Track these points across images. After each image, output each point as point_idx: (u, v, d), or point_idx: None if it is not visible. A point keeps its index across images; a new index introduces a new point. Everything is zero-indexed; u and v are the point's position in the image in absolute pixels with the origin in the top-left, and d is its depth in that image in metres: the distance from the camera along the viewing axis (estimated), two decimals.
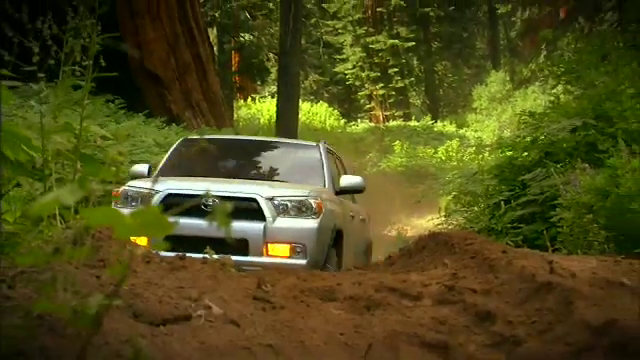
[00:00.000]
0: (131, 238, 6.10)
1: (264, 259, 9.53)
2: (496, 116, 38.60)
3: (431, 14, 40.16)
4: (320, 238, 10.08)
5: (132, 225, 1.82)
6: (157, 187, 10.11)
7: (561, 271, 3.41)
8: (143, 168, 11.36)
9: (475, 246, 3.92)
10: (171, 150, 12.19)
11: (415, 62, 43.87)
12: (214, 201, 8.85)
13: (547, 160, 9.18)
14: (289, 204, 9.98)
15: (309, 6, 44.59)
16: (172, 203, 8.29)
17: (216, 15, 36.06)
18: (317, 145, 12.90)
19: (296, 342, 2.80)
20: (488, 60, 41.13)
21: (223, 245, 8.25)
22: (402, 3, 38.82)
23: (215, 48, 31.02)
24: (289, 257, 9.70)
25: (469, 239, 4.07)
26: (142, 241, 6.66)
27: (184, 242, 7.16)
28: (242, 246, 9.39)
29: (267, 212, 9.84)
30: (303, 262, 9.57)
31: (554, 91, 12.06)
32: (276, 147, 14.13)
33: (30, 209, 2.46)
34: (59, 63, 3.85)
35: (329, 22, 41.88)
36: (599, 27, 28.43)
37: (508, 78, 32.55)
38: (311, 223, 9.94)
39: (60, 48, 3.83)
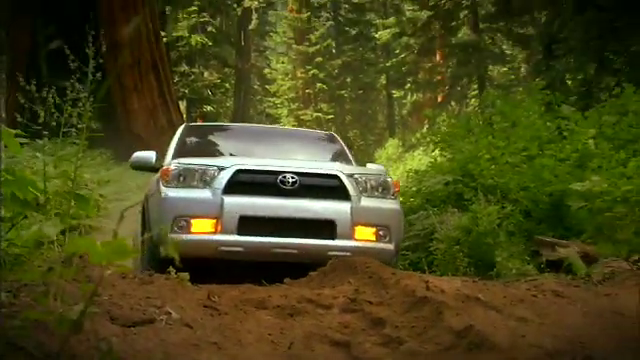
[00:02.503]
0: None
1: (352, 243, 6.33)
2: (392, 172, 38.89)
3: (345, 95, 40.51)
4: (402, 221, 7.00)
5: (103, 252, 1.74)
6: (221, 163, 6.59)
7: (434, 288, 3.41)
8: (149, 155, 7.49)
9: (372, 269, 3.90)
10: (177, 137, 8.17)
11: (333, 130, 44.13)
12: (292, 178, 6.36)
13: (427, 205, 9.24)
14: (370, 183, 6.69)
15: (255, 87, 44.85)
16: (242, 181, 6.32)
17: (186, 91, 35.86)
18: (332, 134, 9.75)
19: (235, 340, 2.73)
20: (387, 130, 41.52)
21: (306, 228, 6.18)
22: (324, 87, 39.10)
23: (184, 116, 30.74)
24: (375, 242, 6.49)
25: (368, 263, 4.04)
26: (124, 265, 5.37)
27: (261, 226, 6.12)
28: (328, 229, 6.32)
29: (352, 190, 6.49)
30: (391, 247, 6.51)
31: (433, 154, 12.17)
32: (293, 134, 10.82)
33: (19, 238, 2.38)
34: (60, 125, 3.77)
35: (270, 99, 42.00)
36: (465, 109, 29.11)
37: (401, 144, 32.88)
38: (393, 204, 6.75)
39: (61, 114, 3.75)
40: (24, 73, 9.16)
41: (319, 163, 7.23)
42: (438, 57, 32.39)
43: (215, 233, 6.13)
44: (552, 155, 8.39)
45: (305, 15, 38.56)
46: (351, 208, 6.35)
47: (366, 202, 6.50)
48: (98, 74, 3.48)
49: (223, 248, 6.07)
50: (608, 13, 14.28)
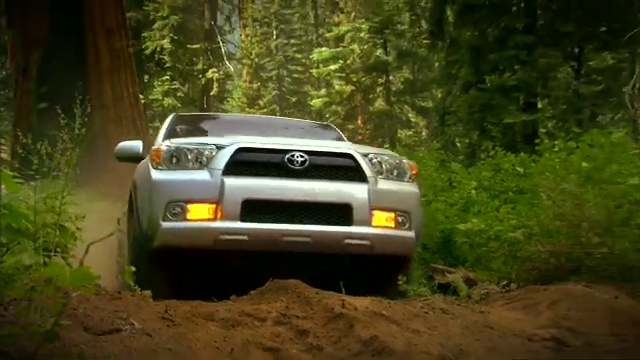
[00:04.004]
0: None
1: (371, 230, 4.64)
2: None
3: None
4: (422, 207, 5.31)
5: (69, 278, 1.69)
6: (220, 141, 4.75)
7: (349, 306, 3.40)
8: (135, 144, 5.55)
9: (300, 289, 3.88)
10: (166, 125, 6.12)
11: None
12: (302, 157, 4.61)
13: None
14: (385, 164, 4.91)
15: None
16: (245, 160, 4.54)
17: None
18: (329, 123, 8.09)
19: (186, 346, 2.67)
20: None
21: (320, 213, 4.44)
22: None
23: None
24: (395, 228, 4.76)
25: (298, 285, 4.03)
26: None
27: (268, 211, 4.40)
28: (344, 214, 4.60)
29: (368, 171, 4.75)
30: (411, 235, 4.79)
31: None
32: (290, 124, 7.75)
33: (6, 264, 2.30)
34: (50, 169, 3.68)
35: None
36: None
37: None
38: (412, 188, 4.97)
39: (51, 160, 3.67)
40: (24, 127, 8.96)
41: (329, 142, 5.29)
42: (360, 121, 32.77)
43: (215, 220, 4.40)
44: (444, 201, 8.53)
45: (256, 85, 38.70)
46: (368, 190, 4.55)
47: (384, 184, 4.70)
48: (83, 130, 3.43)
49: (224, 237, 4.38)
50: (486, 93, 14.88)
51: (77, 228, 3.25)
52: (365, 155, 4.77)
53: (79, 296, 2.74)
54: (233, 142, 4.63)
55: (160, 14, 22.45)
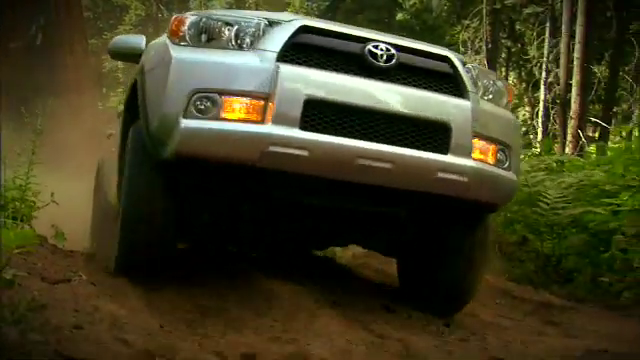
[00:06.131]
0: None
1: (471, 163, 2.76)
2: None
3: None
4: (521, 143, 3.69)
5: (12, 238, 1.79)
6: (274, 16, 2.82)
7: None
8: (136, 39, 3.56)
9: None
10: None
11: None
12: (388, 50, 2.76)
13: None
14: (482, 80, 3.05)
15: None
16: (309, 44, 2.73)
17: None
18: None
19: (123, 294, 2.82)
20: None
21: (407, 131, 2.67)
22: None
23: None
24: (495, 165, 2.89)
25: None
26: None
27: (339, 118, 2.61)
28: (439, 137, 2.75)
29: (469, 84, 2.90)
30: (514, 177, 2.99)
31: None
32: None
33: None
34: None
35: None
36: None
37: None
38: (512, 116, 3.18)
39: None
40: None
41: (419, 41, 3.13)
42: None
43: (262, 122, 2.59)
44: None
45: None
46: (472, 109, 2.82)
47: (486, 105, 2.98)
48: None
49: (275, 149, 2.58)
50: None
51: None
52: (463, 63, 3.03)
53: (39, 254, 2.89)
54: (292, 18, 2.81)
55: None
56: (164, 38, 2.90)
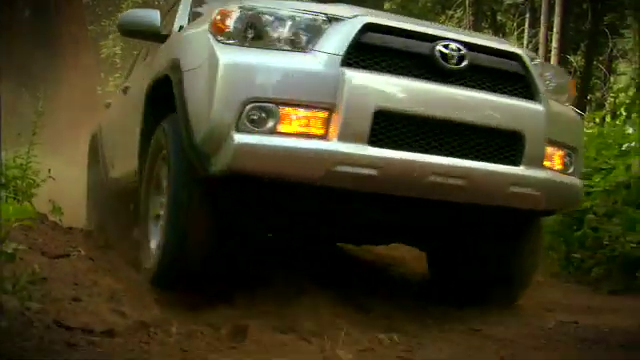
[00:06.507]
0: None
1: (542, 174, 2.43)
2: None
3: None
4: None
5: (12, 212, 1.77)
6: (333, 10, 2.33)
7: None
8: (151, 14, 2.93)
9: None
10: None
11: None
12: (459, 50, 2.34)
13: None
14: (548, 76, 2.63)
15: None
16: (375, 45, 2.28)
17: None
18: None
19: (119, 267, 2.82)
20: None
21: (479, 142, 2.33)
22: None
23: None
24: (563, 171, 2.55)
25: None
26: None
27: (411, 131, 2.25)
28: (511, 146, 2.38)
29: (540, 84, 2.48)
30: (580, 183, 2.67)
31: None
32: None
33: None
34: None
35: None
36: None
37: None
38: (576, 115, 2.75)
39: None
40: None
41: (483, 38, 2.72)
42: None
43: (326, 136, 2.21)
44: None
45: None
46: (545, 114, 2.47)
47: (555, 107, 2.61)
48: None
49: (342, 169, 2.21)
50: None
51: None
52: (532, 59, 2.62)
53: (40, 230, 2.87)
54: (355, 14, 2.36)
55: (113, 28, 20.79)
56: (203, 30, 2.38)
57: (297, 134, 2.18)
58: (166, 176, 2.47)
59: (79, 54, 8.06)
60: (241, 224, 2.55)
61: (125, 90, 3.59)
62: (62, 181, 3.77)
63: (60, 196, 3.60)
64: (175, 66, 2.48)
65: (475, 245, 2.88)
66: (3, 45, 7.30)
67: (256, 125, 2.16)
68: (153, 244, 2.55)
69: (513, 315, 2.69)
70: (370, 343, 2.07)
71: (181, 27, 2.94)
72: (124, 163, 3.20)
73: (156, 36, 2.94)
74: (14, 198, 3.09)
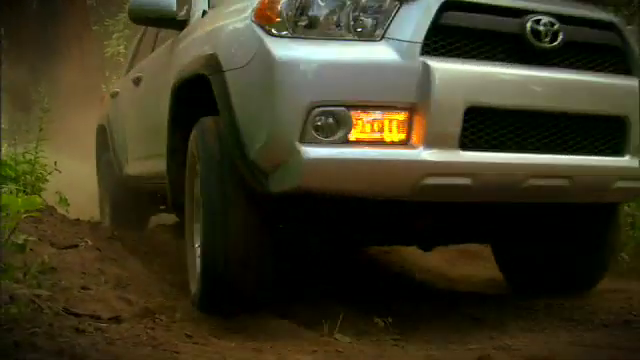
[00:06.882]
0: None
1: None
2: None
3: None
4: None
5: (20, 204, 1.75)
6: None
7: None
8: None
9: None
10: None
11: None
12: (552, 25, 1.79)
13: None
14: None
15: None
16: (457, 29, 1.74)
17: None
18: None
19: (124, 257, 2.84)
20: None
21: (581, 133, 1.90)
22: None
23: None
24: None
25: None
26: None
27: (505, 129, 1.79)
28: (614, 135, 1.89)
29: (637, 57, 1.94)
30: None
31: None
32: None
33: None
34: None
35: None
36: None
37: None
38: None
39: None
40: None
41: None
42: None
43: (409, 143, 1.69)
44: None
45: None
46: None
47: None
48: None
49: (432, 181, 1.72)
50: None
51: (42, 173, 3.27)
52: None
53: (49, 222, 2.87)
54: None
55: (117, 28, 20.89)
56: (244, 19, 1.87)
57: (373, 142, 1.70)
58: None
59: (84, 53, 8.21)
60: (293, 241, 2.11)
61: (137, 81, 3.10)
62: (70, 175, 3.75)
63: (69, 190, 3.58)
64: (212, 64, 1.95)
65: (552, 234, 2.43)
66: (12, 46, 7.43)
67: (324, 134, 1.69)
68: (198, 267, 2.06)
69: None
70: (366, 326, 2.02)
71: (204, 12, 2.37)
72: (144, 163, 2.88)
73: (172, 22, 2.45)
74: (24, 191, 3.09)
